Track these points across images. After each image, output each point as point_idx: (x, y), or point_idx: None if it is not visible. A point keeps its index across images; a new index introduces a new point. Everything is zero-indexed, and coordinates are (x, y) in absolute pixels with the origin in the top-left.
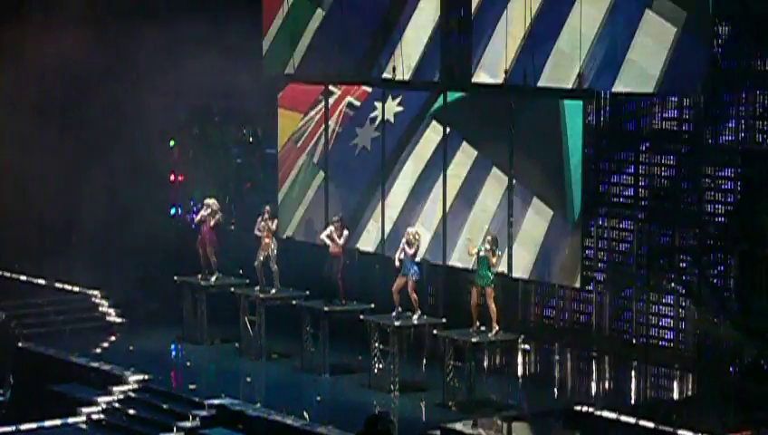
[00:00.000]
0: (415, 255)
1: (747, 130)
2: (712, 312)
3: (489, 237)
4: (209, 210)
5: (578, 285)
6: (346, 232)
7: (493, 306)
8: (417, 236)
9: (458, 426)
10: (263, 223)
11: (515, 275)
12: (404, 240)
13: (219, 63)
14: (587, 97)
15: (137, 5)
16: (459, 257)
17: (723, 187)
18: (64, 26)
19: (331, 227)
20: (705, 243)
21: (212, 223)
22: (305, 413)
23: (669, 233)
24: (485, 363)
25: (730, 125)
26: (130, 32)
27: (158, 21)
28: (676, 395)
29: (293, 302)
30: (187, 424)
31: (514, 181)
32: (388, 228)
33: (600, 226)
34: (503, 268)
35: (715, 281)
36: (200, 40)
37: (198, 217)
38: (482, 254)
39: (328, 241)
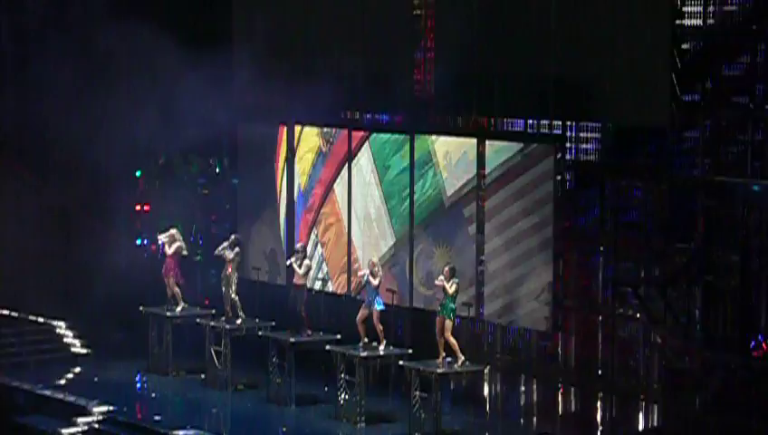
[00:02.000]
0: (378, 286)
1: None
2: (677, 343)
3: (446, 268)
4: (167, 238)
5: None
6: (307, 262)
7: (451, 340)
8: (379, 267)
9: None
10: (225, 252)
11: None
12: (367, 271)
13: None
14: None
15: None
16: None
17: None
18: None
19: (293, 258)
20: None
21: (170, 251)
22: None
23: (634, 265)
24: (451, 394)
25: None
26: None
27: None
28: (641, 426)
29: (259, 333)
30: None
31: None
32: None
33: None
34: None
35: (680, 312)
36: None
37: (162, 245)
38: (438, 284)
39: (295, 267)
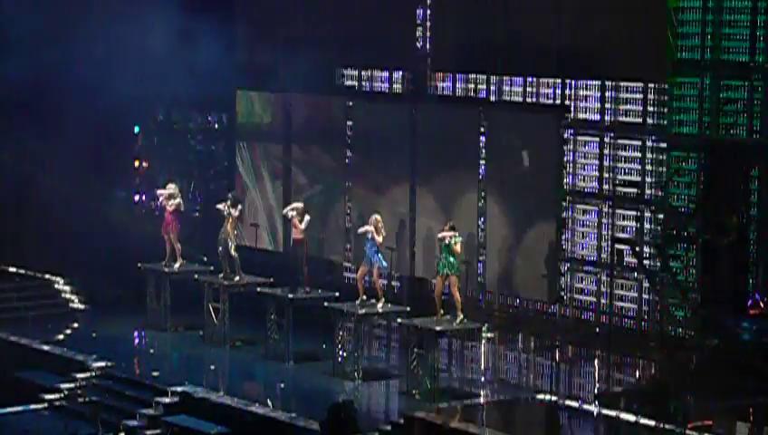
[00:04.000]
0: (381, 242)
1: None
2: (674, 302)
3: (448, 225)
4: (166, 194)
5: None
6: (307, 217)
7: (457, 295)
8: (382, 223)
9: (422, 414)
10: (225, 209)
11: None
12: (371, 227)
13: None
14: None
15: None
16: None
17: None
18: None
19: (293, 212)
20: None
21: (170, 207)
22: (269, 401)
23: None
24: (449, 352)
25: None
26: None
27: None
28: (638, 384)
29: (258, 289)
30: (151, 411)
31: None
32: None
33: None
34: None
35: (677, 271)
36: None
37: (160, 202)
38: (444, 241)
39: (291, 214)
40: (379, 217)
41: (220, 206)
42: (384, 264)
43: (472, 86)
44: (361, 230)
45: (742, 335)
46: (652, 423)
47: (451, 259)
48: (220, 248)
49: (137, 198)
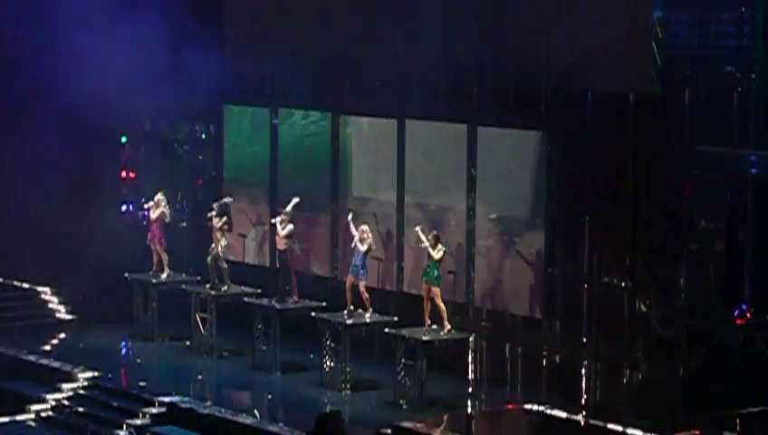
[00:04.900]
0: (367, 252)
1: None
2: (661, 311)
3: (431, 234)
4: (153, 204)
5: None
6: (290, 226)
7: (441, 305)
8: (369, 234)
9: (409, 424)
10: (214, 218)
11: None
12: (356, 238)
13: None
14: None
15: None
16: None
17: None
18: None
19: (279, 218)
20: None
21: (155, 216)
22: (256, 411)
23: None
24: (437, 362)
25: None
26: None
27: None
28: (625, 394)
29: (245, 299)
30: (138, 421)
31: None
32: None
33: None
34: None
35: (664, 281)
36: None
37: (148, 212)
38: (424, 247)
39: (278, 228)
40: (366, 227)
41: (214, 219)
42: (366, 274)
43: (460, 100)
44: (356, 241)
45: (729, 345)
46: (639, 434)
47: (435, 271)
48: (209, 258)
49: (124, 208)
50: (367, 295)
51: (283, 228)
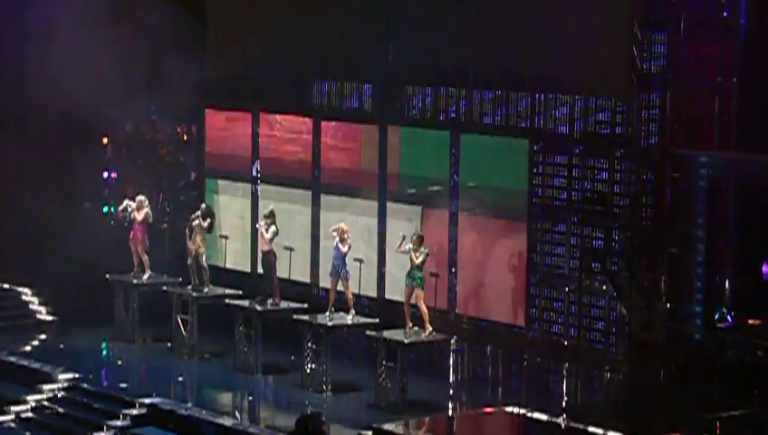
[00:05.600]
0: (347, 253)
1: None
2: (642, 314)
3: (414, 236)
4: (135, 205)
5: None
6: (273, 228)
7: (423, 308)
8: (348, 234)
9: (390, 426)
10: (196, 221)
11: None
12: (336, 237)
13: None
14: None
15: None
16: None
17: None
18: None
19: (262, 222)
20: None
21: (139, 218)
22: (237, 413)
23: (601, 236)
24: (418, 364)
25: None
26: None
27: None
28: (606, 397)
29: (226, 301)
30: (118, 423)
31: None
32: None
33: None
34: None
35: (645, 284)
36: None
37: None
38: (407, 252)
39: (262, 231)
40: (344, 225)
41: (195, 221)
42: (348, 274)
43: (442, 104)
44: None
45: (709, 348)
46: None
47: (417, 273)
48: (189, 260)
49: (105, 209)
50: (351, 295)
51: (266, 231)
